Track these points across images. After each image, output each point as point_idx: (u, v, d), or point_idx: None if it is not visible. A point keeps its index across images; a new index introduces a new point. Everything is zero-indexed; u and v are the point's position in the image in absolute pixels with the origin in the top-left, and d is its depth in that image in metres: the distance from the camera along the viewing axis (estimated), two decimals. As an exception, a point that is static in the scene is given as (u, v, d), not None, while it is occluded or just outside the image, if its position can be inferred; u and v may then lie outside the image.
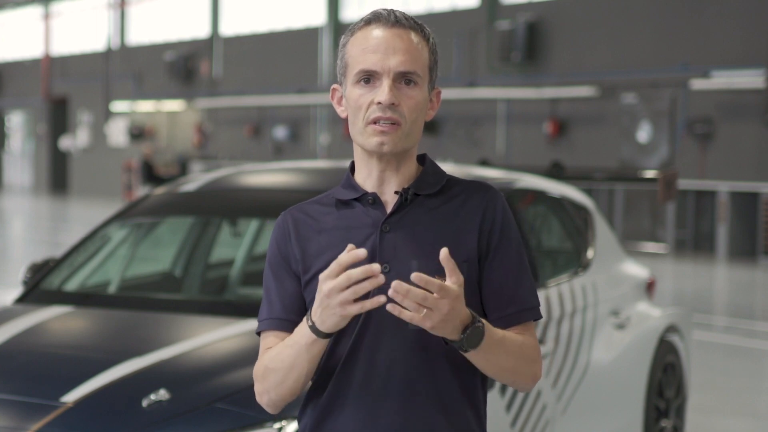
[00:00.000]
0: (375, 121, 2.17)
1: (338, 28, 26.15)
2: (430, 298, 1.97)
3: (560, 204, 5.31)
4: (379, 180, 2.24)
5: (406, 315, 1.97)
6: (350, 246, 2.01)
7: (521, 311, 2.24)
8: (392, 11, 2.21)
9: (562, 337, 4.58)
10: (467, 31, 22.86)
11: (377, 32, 2.19)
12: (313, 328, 2.07)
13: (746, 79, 17.96)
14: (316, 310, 2.05)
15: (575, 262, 5.18)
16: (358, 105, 2.19)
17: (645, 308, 5.55)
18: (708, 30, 18.65)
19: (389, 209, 2.22)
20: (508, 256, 2.24)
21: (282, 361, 2.15)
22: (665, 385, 5.43)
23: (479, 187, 2.28)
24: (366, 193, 2.23)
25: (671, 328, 5.54)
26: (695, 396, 7.11)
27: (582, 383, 4.70)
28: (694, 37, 18.90)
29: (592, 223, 5.43)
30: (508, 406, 4.09)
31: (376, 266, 1.97)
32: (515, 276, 2.24)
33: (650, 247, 18.62)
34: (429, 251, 2.16)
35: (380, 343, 2.17)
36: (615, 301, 5.24)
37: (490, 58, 22.49)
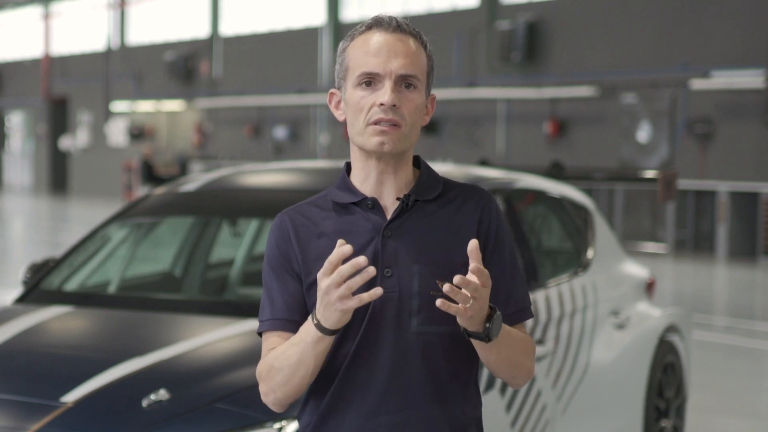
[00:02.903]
0: (376, 122, 2.22)
1: (338, 28, 26.15)
2: (480, 288, 2.06)
3: (560, 204, 5.31)
4: (377, 182, 2.28)
5: (453, 308, 2.06)
6: (340, 241, 2.08)
7: (517, 311, 2.32)
8: (393, 17, 2.27)
9: (562, 337, 4.58)
10: (467, 31, 22.86)
11: (378, 36, 2.25)
12: (319, 326, 2.12)
13: (746, 79, 17.96)
14: (319, 308, 2.11)
15: (575, 262, 5.18)
16: (360, 107, 2.24)
17: (645, 308, 5.55)
18: (708, 30, 18.65)
19: (388, 214, 2.27)
20: (502, 258, 2.31)
21: (288, 359, 2.19)
22: (665, 385, 5.43)
23: (473, 191, 2.34)
24: (365, 198, 2.28)
25: (671, 328, 5.54)
26: (695, 396, 7.11)
27: (582, 383, 4.70)
28: (694, 37, 18.90)
29: (592, 223, 5.42)
30: (508, 406, 4.10)
31: (363, 259, 2.04)
32: (510, 277, 2.32)
33: (650, 247, 18.62)
34: (429, 256, 2.25)
35: (384, 344, 2.23)
36: (615, 301, 5.24)
37: (490, 58, 22.49)
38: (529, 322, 4.16)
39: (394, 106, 2.21)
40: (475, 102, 22.51)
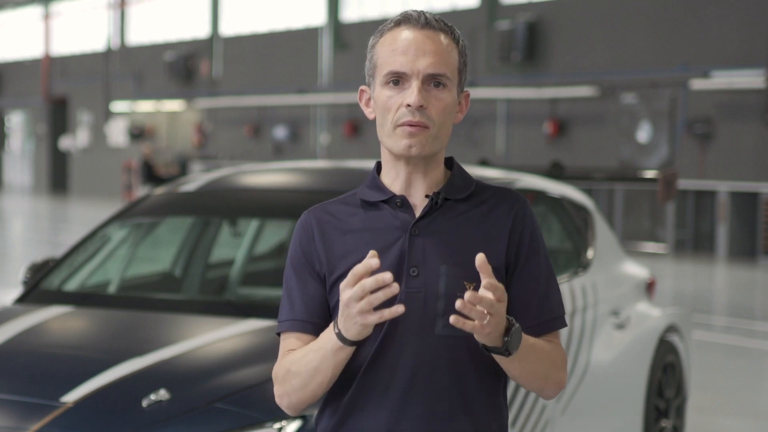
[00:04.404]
0: (404, 124, 2.16)
1: (338, 28, 26.15)
2: (495, 304, 1.98)
3: (560, 204, 5.31)
4: (406, 183, 2.22)
5: (469, 325, 1.98)
6: (371, 252, 2.01)
7: (550, 320, 2.25)
8: (422, 13, 2.20)
9: (562, 337, 4.58)
10: (467, 31, 22.84)
11: (407, 33, 2.18)
12: (340, 336, 2.07)
13: (746, 79, 17.97)
14: (340, 319, 2.05)
15: (575, 262, 5.18)
16: (387, 107, 2.17)
17: (645, 308, 5.55)
18: (707, 30, 18.66)
19: (417, 212, 2.21)
20: (537, 266, 2.24)
21: (306, 365, 2.14)
22: (665, 385, 5.43)
23: (507, 194, 2.27)
24: (394, 196, 2.22)
25: (671, 328, 5.54)
26: (695, 396, 7.11)
27: (582, 383, 4.70)
28: (693, 37, 18.91)
29: (592, 223, 5.42)
30: (508, 406, 4.09)
31: (388, 275, 1.97)
32: (545, 285, 2.25)
33: (650, 247, 18.62)
34: (457, 257, 2.17)
35: (406, 346, 2.16)
36: (615, 301, 5.24)
37: (490, 58, 22.50)
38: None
39: (422, 107, 2.14)
40: (474, 102, 22.50)
